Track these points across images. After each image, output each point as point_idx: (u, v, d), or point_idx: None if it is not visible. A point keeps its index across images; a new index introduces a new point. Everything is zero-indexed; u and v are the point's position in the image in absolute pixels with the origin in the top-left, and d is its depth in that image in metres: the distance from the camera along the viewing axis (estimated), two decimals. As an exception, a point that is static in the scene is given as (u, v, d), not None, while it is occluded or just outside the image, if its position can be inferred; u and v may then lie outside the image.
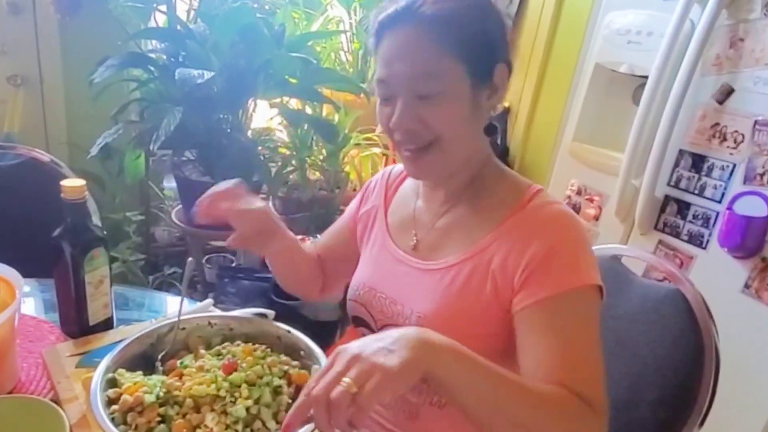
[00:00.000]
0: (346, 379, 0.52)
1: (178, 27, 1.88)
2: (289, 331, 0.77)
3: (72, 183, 0.81)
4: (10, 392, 0.75)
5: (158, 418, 0.62)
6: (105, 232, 0.87)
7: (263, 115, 2.26)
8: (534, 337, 0.68)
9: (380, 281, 0.86)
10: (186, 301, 1.09)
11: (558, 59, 2.04)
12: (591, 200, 1.73)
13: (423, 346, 0.56)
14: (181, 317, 0.78)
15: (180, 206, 2.12)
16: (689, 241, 1.46)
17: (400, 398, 0.83)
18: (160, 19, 2.03)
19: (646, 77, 1.51)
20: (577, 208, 1.75)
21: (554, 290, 0.68)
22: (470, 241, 0.78)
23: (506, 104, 2.23)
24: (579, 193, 1.77)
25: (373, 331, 0.86)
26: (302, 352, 0.74)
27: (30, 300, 1.01)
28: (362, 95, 2.10)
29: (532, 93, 2.13)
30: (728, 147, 1.36)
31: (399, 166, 0.97)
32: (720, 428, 1.00)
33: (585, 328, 0.68)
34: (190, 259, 0.81)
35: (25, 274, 0.78)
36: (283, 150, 2.28)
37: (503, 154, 2.22)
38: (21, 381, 0.79)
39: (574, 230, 0.73)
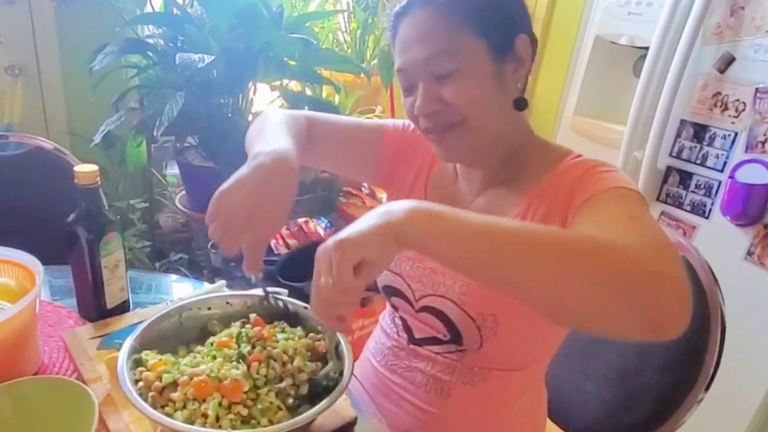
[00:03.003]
0: (321, 280, 0.55)
1: (175, 11, 1.86)
2: (306, 308, 0.78)
3: (85, 168, 0.82)
4: (34, 375, 0.77)
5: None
6: (118, 217, 0.88)
7: (264, 99, 2.26)
8: (585, 225, 0.64)
9: None
10: (193, 284, 1.12)
11: (557, 33, 2.03)
12: (593, 174, 1.74)
13: (379, 214, 0.56)
14: (197, 298, 0.80)
15: (183, 192, 2.13)
16: (692, 211, 1.48)
17: (431, 377, 0.83)
18: (156, 4, 2.01)
19: (647, 49, 1.50)
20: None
21: (596, 190, 0.66)
22: (508, 209, 0.77)
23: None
24: (581, 167, 1.78)
25: (410, 303, 0.84)
26: (321, 326, 0.75)
27: (44, 287, 1.02)
28: (362, 75, 2.09)
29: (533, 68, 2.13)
30: (730, 116, 1.37)
31: None
32: (725, 391, 1.02)
33: (636, 209, 0.62)
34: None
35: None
36: (284, 133, 2.27)
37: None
38: (44, 364, 0.80)
39: (604, 165, 0.71)
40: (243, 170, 0.68)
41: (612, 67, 1.75)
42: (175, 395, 0.63)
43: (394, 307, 0.89)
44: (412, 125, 0.90)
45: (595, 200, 0.65)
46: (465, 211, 0.57)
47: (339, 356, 0.70)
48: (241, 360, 0.67)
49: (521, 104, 0.76)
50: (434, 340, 0.83)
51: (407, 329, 0.87)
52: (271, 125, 0.78)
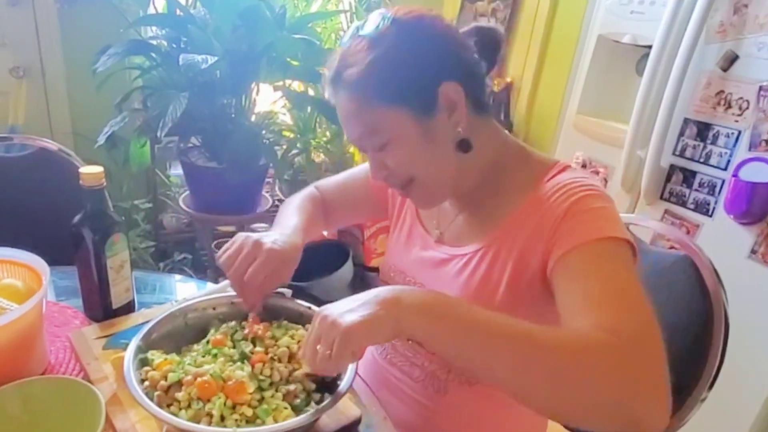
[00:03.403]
0: (319, 347, 0.59)
1: (178, 12, 1.87)
2: (309, 308, 0.78)
3: (90, 170, 0.82)
4: (42, 374, 0.77)
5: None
6: (123, 218, 0.88)
7: (267, 99, 2.26)
8: (567, 287, 0.65)
9: (409, 266, 0.88)
10: (197, 284, 1.13)
11: (560, 32, 2.03)
12: (597, 172, 1.74)
13: (388, 304, 0.59)
14: (201, 299, 0.80)
15: (187, 192, 2.13)
16: (695, 210, 1.47)
17: (429, 373, 0.84)
18: (159, 5, 2.01)
19: (650, 47, 1.50)
20: (582, 181, 1.75)
21: (581, 239, 0.65)
22: (492, 226, 0.77)
23: (508, 79, 2.22)
24: (584, 165, 1.78)
25: None
26: None
27: (49, 287, 1.03)
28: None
29: (535, 67, 2.13)
30: (733, 114, 1.37)
31: None
32: (729, 390, 1.02)
33: (619, 271, 0.63)
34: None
35: (41, 262, 0.79)
36: (287, 133, 2.28)
37: (507, 129, 2.22)
38: (50, 364, 0.81)
39: (591, 194, 0.69)
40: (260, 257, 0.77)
41: (615, 65, 1.75)
42: (179, 395, 0.63)
43: None
44: None
45: (582, 255, 0.65)
46: (472, 309, 0.59)
47: None
48: (244, 360, 0.68)
49: (465, 146, 0.74)
50: None
51: None
52: (287, 210, 0.95)
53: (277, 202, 2.18)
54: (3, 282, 0.80)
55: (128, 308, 0.92)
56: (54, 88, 2.19)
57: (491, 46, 0.78)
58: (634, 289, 0.61)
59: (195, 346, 0.74)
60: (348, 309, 0.59)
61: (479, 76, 0.77)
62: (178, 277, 1.22)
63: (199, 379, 0.63)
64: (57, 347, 0.85)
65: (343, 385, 0.65)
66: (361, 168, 1.02)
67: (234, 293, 0.82)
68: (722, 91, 1.39)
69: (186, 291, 1.12)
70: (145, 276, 1.13)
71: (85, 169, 0.82)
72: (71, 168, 1.31)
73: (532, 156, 0.80)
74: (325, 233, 2.11)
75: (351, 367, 0.67)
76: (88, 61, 1.82)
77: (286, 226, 0.87)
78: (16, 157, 1.38)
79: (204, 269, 2.27)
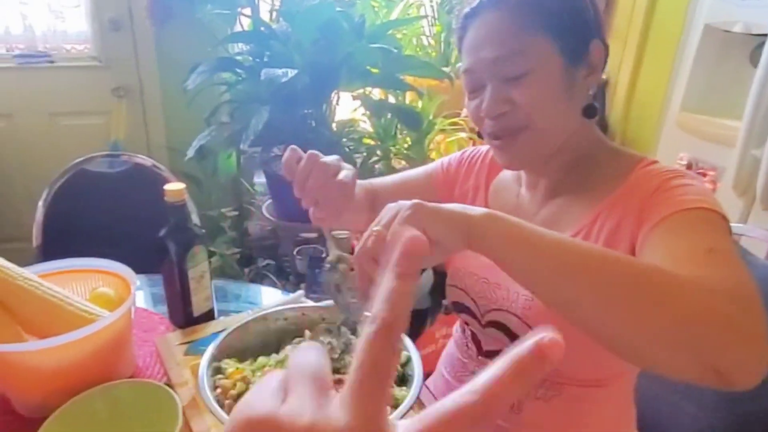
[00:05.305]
0: (374, 227, 0.56)
1: (262, 28, 1.93)
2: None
3: (173, 187, 0.86)
4: (130, 377, 0.81)
5: None
6: (203, 230, 0.91)
7: (346, 107, 2.28)
8: (654, 252, 0.61)
9: (482, 266, 0.83)
10: (279, 292, 1.14)
11: (661, 22, 1.87)
12: (704, 174, 1.57)
13: (464, 208, 0.56)
14: (275, 309, 0.81)
15: (270, 201, 2.19)
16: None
17: None
18: (245, 23, 2.10)
19: (766, 35, 1.34)
20: (687, 185, 1.60)
21: (670, 210, 0.62)
22: (575, 219, 0.74)
23: (603, 76, 2.09)
24: (690, 167, 1.62)
25: (476, 318, 0.83)
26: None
27: (140, 294, 1.08)
28: (446, 80, 2.05)
29: (633, 62, 1.97)
30: None
31: None
32: None
33: (713, 233, 0.59)
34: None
35: (136, 270, 0.84)
36: (367, 140, 2.28)
37: (602, 129, 2.08)
38: (138, 367, 0.85)
39: (680, 174, 0.67)
40: None
41: (724, 57, 1.58)
42: None
43: (465, 322, 0.88)
44: (465, 152, 0.95)
45: (671, 223, 0.61)
46: (541, 228, 0.55)
47: (408, 372, 0.69)
48: None
49: (591, 112, 0.74)
50: (502, 353, 0.79)
51: (476, 341, 0.86)
52: None
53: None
54: (97, 291, 0.85)
55: (208, 316, 0.94)
56: (151, 105, 2.35)
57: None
58: (732, 256, 0.56)
59: (268, 360, 0.73)
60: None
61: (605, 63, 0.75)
62: (258, 286, 1.25)
63: None
64: (144, 351, 0.88)
65: (408, 399, 0.62)
66: (423, 168, 0.98)
67: (304, 304, 0.82)
68: None
69: (266, 299, 1.13)
70: (227, 285, 1.17)
71: (169, 186, 0.86)
72: (163, 182, 1.38)
73: (621, 154, 0.77)
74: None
75: (417, 380, 0.65)
76: (181, 79, 1.93)
77: None
78: (115, 172, 1.49)
79: (286, 275, 2.31)
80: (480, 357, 0.85)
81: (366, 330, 0.24)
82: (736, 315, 0.49)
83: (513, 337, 0.78)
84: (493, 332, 0.81)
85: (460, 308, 0.87)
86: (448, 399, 0.23)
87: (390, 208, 0.57)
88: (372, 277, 0.57)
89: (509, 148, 0.74)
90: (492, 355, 0.82)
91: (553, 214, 0.78)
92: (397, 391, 0.65)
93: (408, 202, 0.55)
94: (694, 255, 0.56)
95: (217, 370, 0.70)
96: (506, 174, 0.89)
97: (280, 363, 0.71)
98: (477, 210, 0.56)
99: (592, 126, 0.78)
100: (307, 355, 0.27)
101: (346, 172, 0.72)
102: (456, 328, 0.95)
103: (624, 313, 0.50)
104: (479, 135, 0.85)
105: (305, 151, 0.71)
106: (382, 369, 0.24)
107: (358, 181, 0.93)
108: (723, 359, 0.48)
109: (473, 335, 0.86)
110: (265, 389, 0.26)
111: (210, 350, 0.71)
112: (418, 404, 0.69)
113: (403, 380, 0.69)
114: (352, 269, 0.71)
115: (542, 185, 0.81)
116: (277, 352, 0.75)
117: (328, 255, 0.73)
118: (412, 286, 0.24)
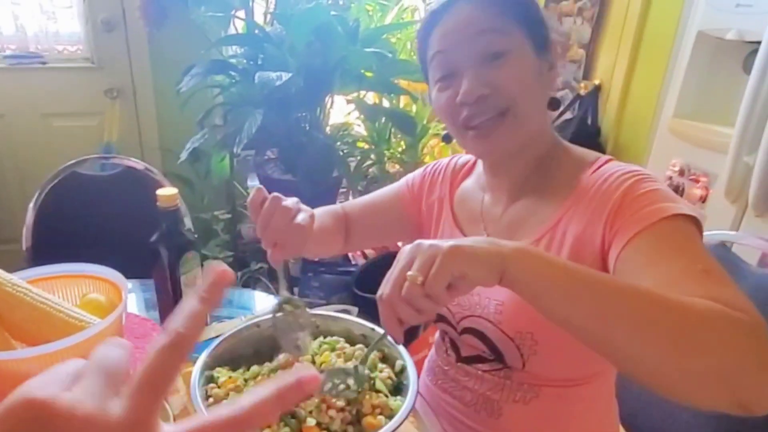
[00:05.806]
0: (410, 273, 0.52)
1: (256, 31, 1.92)
2: (373, 329, 0.76)
3: (166, 192, 0.85)
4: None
5: None
6: (196, 235, 0.90)
7: (340, 111, 2.28)
8: (642, 271, 0.61)
9: None
10: (272, 297, 1.13)
11: (654, 29, 1.88)
12: (696, 180, 1.58)
13: (497, 244, 0.55)
14: (268, 316, 0.79)
15: (264, 205, 2.18)
16: (817, 224, 1.29)
17: (481, 396, 0.81)
18: (239, 25, 2.09)
19: (759, 43, 1.35)
20: (680, 190, 1.60)
21: (645, 222, 0.62)
22: (540, 222, 0.75)
23: (596, 81, 2.09)
24: (682, 173, 1.62)
25: (452, 326, 0.84)
26: (385, 349, 0.74)
27: (132, 298, 1.07)
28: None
29: (626, 67, 1.98)
30: None
31: (465, 156, 0.94)
32: None
33: (692, 247, 0.60)
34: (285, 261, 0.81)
35: (128, 274, 0.83)
36: (361, 144, 2.28)
37: (594, 134, 2.09)
38: (130, 376, 0.83)
39: (641, 177, 0.67)
40: None
41: (717, 64, 1.59)
42: None
43: (443, 330, 0.89)
44: (427, 168, 0.96)
45: (650, 237, 0.61)
46: (570, 264, 0.55)
47: (402, 381, 0.68)
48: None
49: (555, 104, 0.77)
50: (480, 359, 0.81)
51: (455, 348, 0.86)
52: None
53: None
54: (87, 297, 0.84)
55: (201, 323, 0.93)
56: (144, 107, 2.33)
57: None
58: (717, 266, 0.58)
59: (261, 369, 0.72)
60: (444, 240, 0.54)
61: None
62: (251, 291, 1.24)
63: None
64: (135, 358, 0.86)
65: (404, 409, 0.61)
66: (390, 188, 1.00)
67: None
68: None
69: (259, 304, 1.12)
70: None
71: (161, 191, 0.85)
72: (156, 185, 1.37)
73: (572, 150, 0.79)
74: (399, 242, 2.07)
75: (412, 389, 0.64)
76: (174, 81, 1.92)
77: None
78: (107, 175, 1.47)
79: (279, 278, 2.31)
80: (459, 363, 0.85)
81: (160, 339, 0.27)
82: (756, 345, 0.50)
83: (487, 342, 0.78)
84: (469, 339, 0.81)
85: (437, 317, 0.87)
86: (212, 410, 0.27)
87: (423, 253, 0.53)
88: (402, 320, 0.55)
89: (489, 134, 0.74)
90: (471, 360, 0.83)
91: (518, 216, 0.79)
92: (392, 401, 0.64)
93: (445, 245, 0.52)
94: (689, 276, 0.56)
95: (210, 379, 0.69)
96: (469, 182, 0.90)
97: (273, 371, 0.70)
98: (508, 246, 0.54)
99: (550, 125, 0.81)
100: (110, 350, 0.29)
101: (303, 215, 0.72)
102: (436, 336, 0.95)
103: (661, 350, 0.50)
104: (444, 139, 0.86)
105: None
106: (164, 376, 0.27)
107: (326, 208, 0.97)
108: (748, 390, 0.49)
109: (452, 342, 0.87)
110: (56, 374, 0.27)
111: (202, 359, 0.70)
112: (413, 413, 0.68)
113: (398, 389, 0.68)
114: (298, 309, 0.72)
115: (505, 187, 0.81)
116: (270, 360, 0.74)
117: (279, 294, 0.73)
118: (210, 311, 0.29)
